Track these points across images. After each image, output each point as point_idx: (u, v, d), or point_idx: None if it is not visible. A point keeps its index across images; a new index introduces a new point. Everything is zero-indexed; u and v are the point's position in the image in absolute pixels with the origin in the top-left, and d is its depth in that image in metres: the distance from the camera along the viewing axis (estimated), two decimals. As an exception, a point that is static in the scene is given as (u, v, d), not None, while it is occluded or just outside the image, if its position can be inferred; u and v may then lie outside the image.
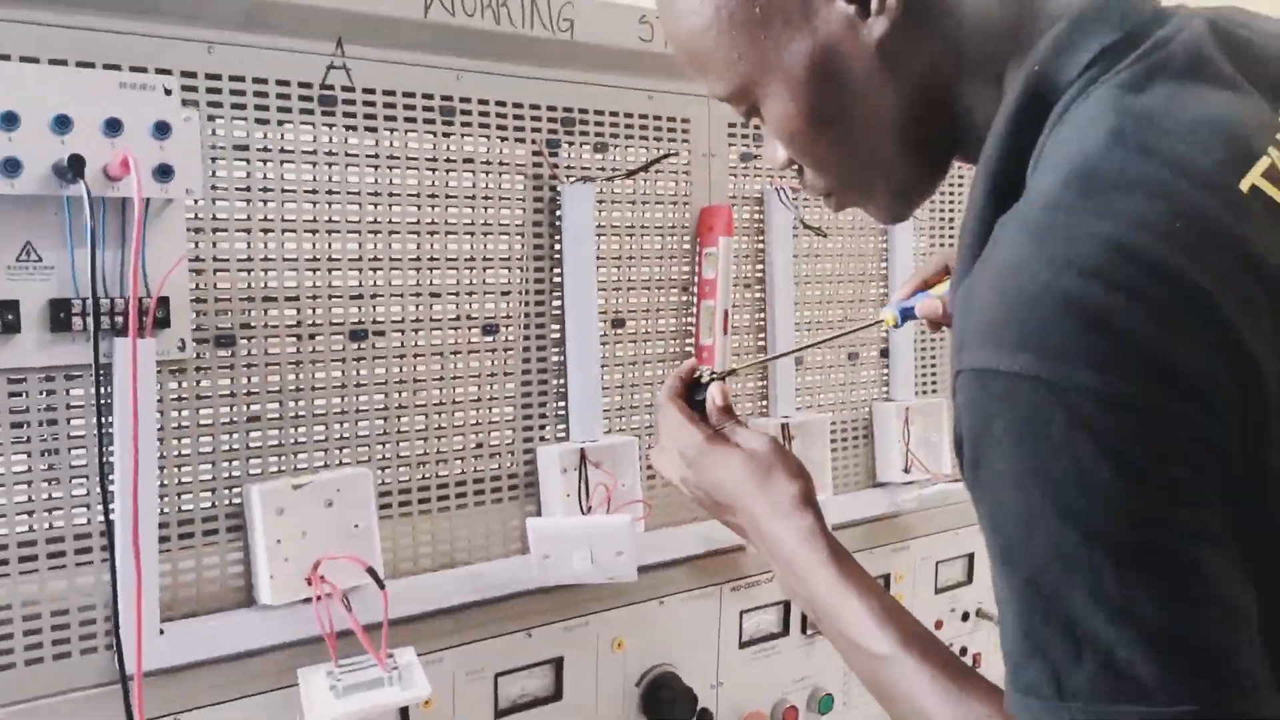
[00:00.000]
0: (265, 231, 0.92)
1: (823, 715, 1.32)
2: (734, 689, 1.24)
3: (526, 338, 1.08)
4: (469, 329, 1.04)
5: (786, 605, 1.29)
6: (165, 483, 0.88)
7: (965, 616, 1.45)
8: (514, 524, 1.08)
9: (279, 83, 0.92)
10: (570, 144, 1.10)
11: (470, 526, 1.06)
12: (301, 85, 0.93)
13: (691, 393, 0.92)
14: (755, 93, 0.71)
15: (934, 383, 1.44)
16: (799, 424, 1.28)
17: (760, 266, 1.26)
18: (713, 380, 0.91)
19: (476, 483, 1.06)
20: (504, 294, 1.07)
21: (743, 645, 1.25)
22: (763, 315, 1.27)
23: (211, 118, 0.89)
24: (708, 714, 1.21)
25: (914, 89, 0.68)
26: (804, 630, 1.30)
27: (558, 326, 1.10)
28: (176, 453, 0.89)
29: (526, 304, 1.08)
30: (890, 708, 0.73)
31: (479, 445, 1.06)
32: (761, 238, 1.26)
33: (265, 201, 0.92)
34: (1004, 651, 0.58)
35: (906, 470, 1.37)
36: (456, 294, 1.03)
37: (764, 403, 1.27)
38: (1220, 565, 0.54)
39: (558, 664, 1.10)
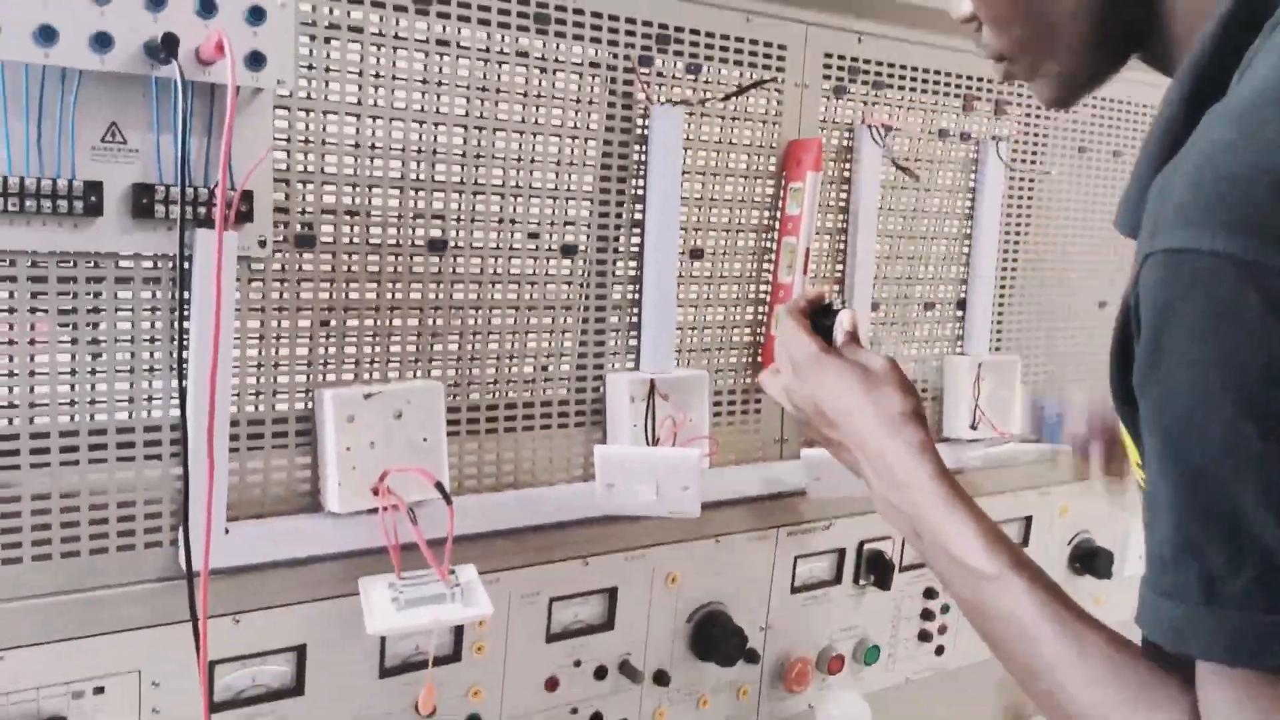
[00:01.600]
0: (353, 128, 0.89)
1: (867, 666, 1.31)
2: (782, 633, 1.23)
3: (602, 262, 1.05)
4: (546, 252, 1.01)
5: (840, 554, 1.27)
6: (237, 379, 0.86)
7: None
8: (579, 450, 1.06)
9: (375, -25, 0.88)
10: (663, 62, 1.06)
11: (535, 450, 1.04)
12: (398, -21, 0.89)
13: (816, 319, 0.89)
14: None
15: (1009, 339, 1.39)
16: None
17: (842, 210, 1.22)
18: (844, 309, 0.88)
19: (544, 406, 1.04)
20: (584, 216, 1.03)
21: (794, 590, 1.24)
22: (839, 259, 1.23)
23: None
24: (755, 655, 1.20)
25: None
26: (856, 580, 1.29)
27: (635, 255, 1.07)
28: (252, 352, 0.87)
29: (605, 228, 1.05)
30: (991, 629, 0.70)
31: (548, 369, 1.03)
32: (847, 178, 1.22)
33: (357, 99, 0.89)
34: (1148, 557, 0.55)
35: (974, 427, 1.33)
36: (539, 199, 1.00)
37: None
38: None
39: (612, 594, 1.09)
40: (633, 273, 1.07)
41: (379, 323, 0.93)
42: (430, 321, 0.95)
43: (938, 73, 1.26)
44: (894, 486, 0.77)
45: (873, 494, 0.81)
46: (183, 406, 0.80)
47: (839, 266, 1.23)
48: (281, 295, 0.88)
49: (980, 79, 1.30)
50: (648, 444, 1.08)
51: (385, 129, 0.90)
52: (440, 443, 0.94)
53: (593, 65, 1.01)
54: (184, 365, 0.81)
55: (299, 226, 0.88)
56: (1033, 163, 1.39)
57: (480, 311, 0.98)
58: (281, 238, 0.87)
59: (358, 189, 0.90)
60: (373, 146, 0.90)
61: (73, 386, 0.80)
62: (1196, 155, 0.53)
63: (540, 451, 1.04)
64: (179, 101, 0.76)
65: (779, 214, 1.17)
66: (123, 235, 0.79)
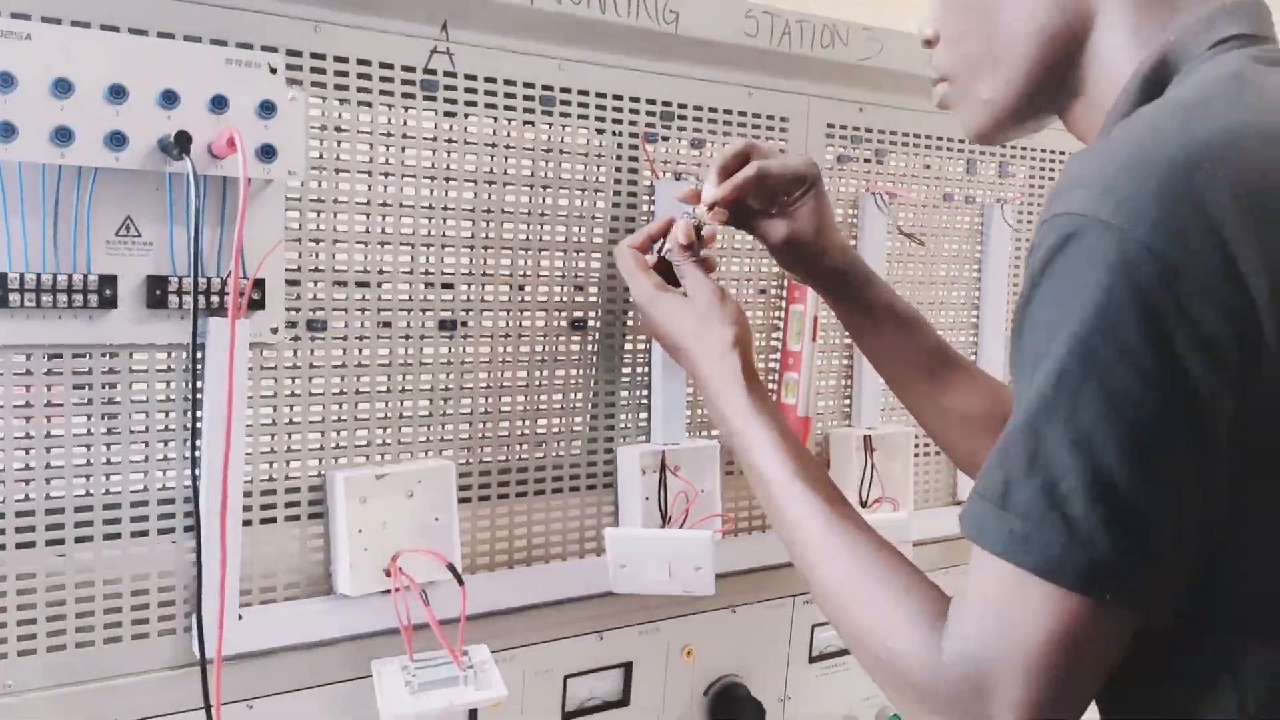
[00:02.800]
0: (364, 214, 0.90)
1: (889, 735, 1.29)
2: (801, 703, 1.22)
3: (611, 335, 1.06)
4: (557, 322, 1.02)
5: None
6: (249, 466, 0.87)
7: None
8: (590, 522, 1.06)
9: (382, 65, 0.90)
10: (666, 139, 1.07)
11: (547, 522, 1.04)
12: (405, 69, 0.91)
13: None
14: None
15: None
16: (881, 436, 1.24)
17: (851, 272, 1.23)
18: (682, 218, 0.92)
19: (555, 480, 1.04)
20: (594, 288, 1.04)
21: (812, 660, 1.22)
22: (851, 322, 1.23)
23: (313, 97, 0.87)
24: (774, 727, 1.18)
25: (1066, 9, 0.71)
26: (874, 647, 1.27)
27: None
28: (265, 437, 0.88)
29: (614, 299, 1.06)
30: (783, 534, 0.78)
31: (560, 441, 1.04)
32: (854, 242, 1.23)
33: (367, 185, 0.90)
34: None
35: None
36: (547, 286, 1.01)
37: (847, 402, 1.24)
38: (1196, 467, 0.57)
39: (627, 668, 1.08)
40: (642, 346, 1.08)
41: (390, 405, 0.93)
42: (441, 403, 0.96)
43: (939, 138, 1.28)
44: (715, 410, 0.86)
45: (709, 412, 0.93)
46: (195, 495, 0.81)
47: (847, 334, 1.23)
48: (294, 380, 0.89)
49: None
50: (660, 516, 1.08)
51: (395, 220, 0.92)
52: (452, 522, 0.94)
53: (598, 149, 1.02)
54: (197, 453, 0.82)
55: (310, 312, 0.89)
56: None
57: (490, 391, 0.99)
58: (293, 323, 0.88)
59: (368, 274, 0.91)
60: (383, 231, 0.92)
61: (87, 478, 0.81)
62: (1095, 151, 0.63)
63: (553, 525, 1.04)
64: (192, 195, 0.77)
65: (786, 283, 1.17)
66: (137, 326, 0.80)
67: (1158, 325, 0.56)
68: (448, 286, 0.96)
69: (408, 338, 0.94)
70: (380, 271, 0.92)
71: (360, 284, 0.91)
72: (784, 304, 1.18)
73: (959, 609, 0.63)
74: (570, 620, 1.03)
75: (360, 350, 0.92)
